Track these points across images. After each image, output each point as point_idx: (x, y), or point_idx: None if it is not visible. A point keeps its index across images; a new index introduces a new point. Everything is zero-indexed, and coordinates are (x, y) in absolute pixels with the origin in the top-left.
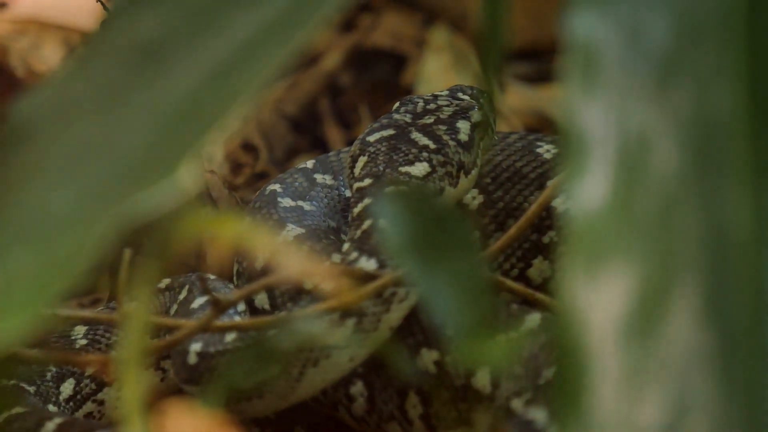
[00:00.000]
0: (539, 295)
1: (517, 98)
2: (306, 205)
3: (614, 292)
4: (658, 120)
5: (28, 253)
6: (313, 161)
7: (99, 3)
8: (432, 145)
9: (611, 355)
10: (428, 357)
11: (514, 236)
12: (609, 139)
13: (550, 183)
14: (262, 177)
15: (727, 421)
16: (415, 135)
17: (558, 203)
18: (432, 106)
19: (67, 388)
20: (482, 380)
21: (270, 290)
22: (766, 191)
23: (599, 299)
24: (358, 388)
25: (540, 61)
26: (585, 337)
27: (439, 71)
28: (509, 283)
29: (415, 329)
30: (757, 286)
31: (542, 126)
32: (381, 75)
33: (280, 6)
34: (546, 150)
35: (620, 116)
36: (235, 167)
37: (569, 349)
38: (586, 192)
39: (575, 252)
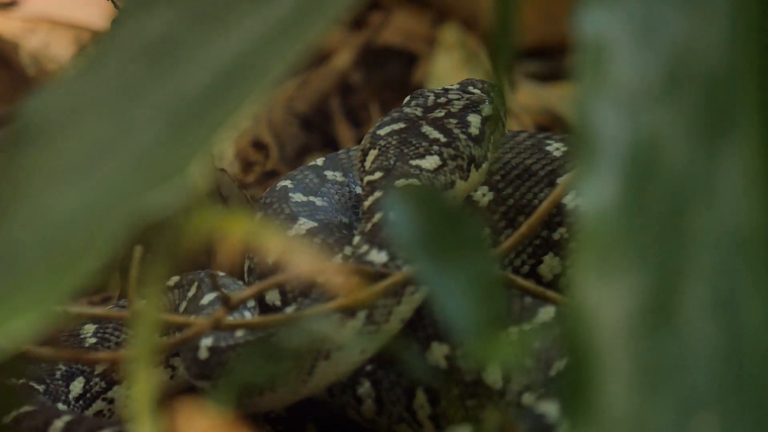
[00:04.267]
0: (549, 293)
1: (527, 96)
2: (317, 201)
3: (625, 290)
4: (669, 118)
5: (39, 250)
6: (324, 159)
7: (110, 1)
8: (443, 139)
9: (622, 353)
10: (439, 351)
11: (525, 233)
12: (620, 137)
13: (560, 180)
14: (272, 175)
15: (736, 419)
16: (426, 128)
17: (568, 200)
18: (443, 99)
19: (77, 386)
20: (493, 375)
21: (281, 286)
22: None
23: (610, 297)
24: (365, 388)
25: (551, 59)
26: (596, 334)
27: (449, 69)
28: (519, 280)
29: (425, 322)
30: (767, 282)
31: (553, 124)
32: (392, 73)
33: (291, 4)
34: (555, 148)
35: (631, 114)
36: (246, 165)
37: (580, 347)
38: (596, 190)
39: (586, 250)
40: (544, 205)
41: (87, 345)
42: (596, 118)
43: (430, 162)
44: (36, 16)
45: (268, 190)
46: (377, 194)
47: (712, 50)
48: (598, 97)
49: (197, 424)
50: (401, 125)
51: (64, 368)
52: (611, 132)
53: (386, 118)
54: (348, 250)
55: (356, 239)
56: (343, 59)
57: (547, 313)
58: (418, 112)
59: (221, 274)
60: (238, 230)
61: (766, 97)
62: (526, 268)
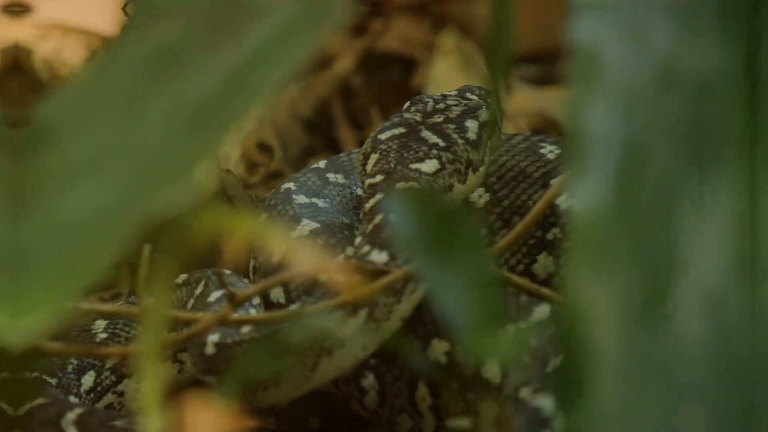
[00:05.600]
0: (544, 290)
1: (522, 100)
2: (320, 202)
3: (617, 288)
4: (657, 121)
5: (52, 248)
6: (326, 161)
7: (120, 9)
8: (441, 143)
9: (614, 349)
10: (439, 348)
11: (519, 233)
12: (611, 139)
13: (553, 182)
14: (276, 176)
15: (722, 412)
16: (425, 133)
17: (561, 201)
18: (441, 105)
19: (88, 380)
20: (492, 370)
21: (285, 284)
22: (761, 191)
23: (602, 295)
24: (369, 381)
25: (545, 64)
26: (589, 331)
27: (447, 74)
28: (515, 278)
29: (426, 320)
30: (754, 278)
31: (547, 127)
32: (391, 78)
33: (292, 13)
34: (549, 150)
35: (621, 118)
36: (251, 167)
37: (574, 343)
38: (589, 191)
39: (579, 249)
40: (538, 205)
41: (98, 340)
42: (588, 121)
43: (429, 166)
44: (49, 22)
45: (272, 192)
46: (378, 196)
47: (700, 57)
48: (590, 100)
49: (204, 417)
50: (401, 130)
51: (75, 362)
52: (603, 134)
53: (387, 123)
54: (350, 250)
55: (358, 240)
56: (344, 64)
57: (542, 311)
58: (418, 117)
59: (227, 272)
60: (243, 230)
61: (753, 103)
62: (521, 267)
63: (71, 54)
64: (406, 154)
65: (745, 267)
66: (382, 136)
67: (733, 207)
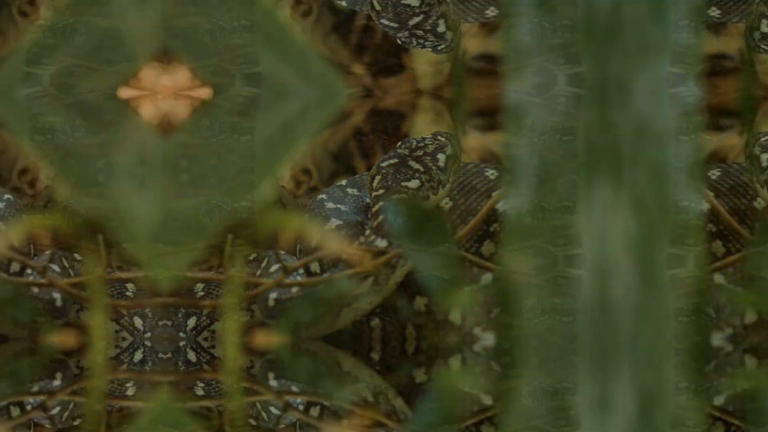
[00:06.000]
0: (488, 264)
1: (474, 141)
2: (342, 207)
3: (534, 263)
4: (562, 152)
5: (169, 239)
6: (346, 180)
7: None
8: (422, 169)
9: (532, 299)
10: (420, 302)
11: (472, 227)
12: (530, 164)
13: (494, 194)
14: (314, 190)
15: (612, 348)
16: (411, 162)
17: (500, 206)
18: (421, 144)
19: (191, 322)
20: (455, 316)
21: (320, 260)
22: (621, 191)
23: (525, 267)
24: (375, 322)
25: (489, 116)
26: (517, 290)
27: (425, 124)
28: (469, 256)
29: (412, 283)
30: (623, 252)
31: (490, 158)
32: (389, 126)
33: (313, 95)
34: (492, 173)
35: (537, 150)
36: (297, 183)
37: (508, 298)
38: (516, 199)
39: (509, 237)
40: (484, 209)
41: (198, 296)
42: (516, 153)
43: (414, 184)
44: (164, 89)
45: (311, 201)
46: (380, 203)
47: (588, 110)
48: (517, 140)
49: (265, 341)
50: (395, 160)
51: (183, 311)
52: (526, 162)
53: (386, 156)
54: (362, 238)
55: (367, 232)
56: (358, 117)
57: (487, 278)
58: (406, 152)
59: (282, 252)
60: (293, 225)
61: (616, 142)
62: (473, 249)
63: (180, 112)
64: (399, 176)
65: (626, 247)
66: (383, 164)
67: (609, 206)
